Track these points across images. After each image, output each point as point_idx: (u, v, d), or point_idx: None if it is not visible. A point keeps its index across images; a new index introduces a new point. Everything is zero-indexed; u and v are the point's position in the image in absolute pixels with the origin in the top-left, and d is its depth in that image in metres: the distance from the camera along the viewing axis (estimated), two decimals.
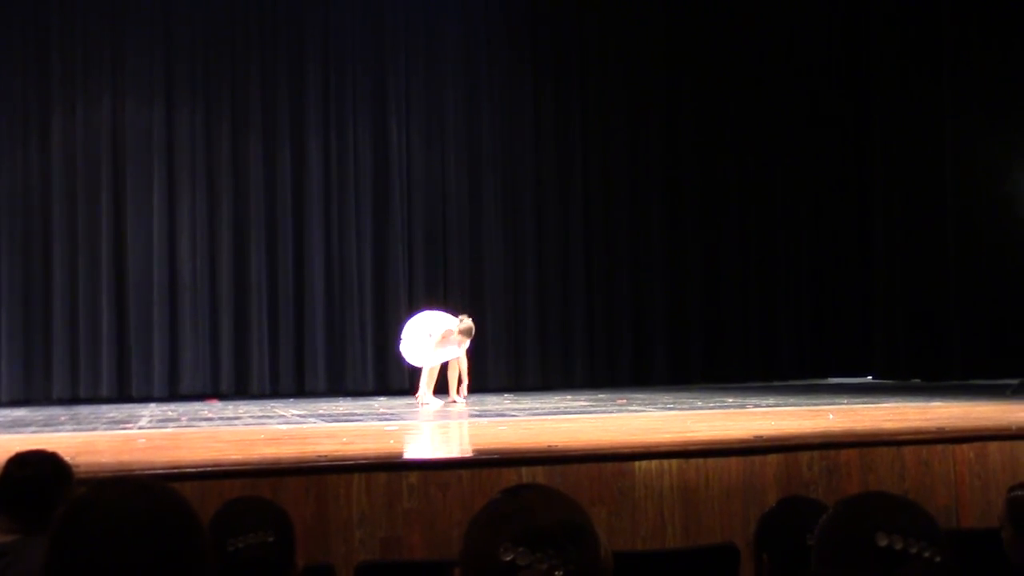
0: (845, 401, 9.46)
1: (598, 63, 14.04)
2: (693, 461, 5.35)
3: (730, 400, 10.05)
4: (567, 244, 13.85)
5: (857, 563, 1.68)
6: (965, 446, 5.71)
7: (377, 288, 13.22)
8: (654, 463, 5.30)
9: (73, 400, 12.21)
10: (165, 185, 12.84)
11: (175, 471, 4.96)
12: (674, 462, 5.32)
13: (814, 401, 9.62)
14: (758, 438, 5.77)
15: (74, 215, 12.63)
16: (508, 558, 1.48)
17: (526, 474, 5.04)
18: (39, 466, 3.51)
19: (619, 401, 10.36)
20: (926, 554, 1.65)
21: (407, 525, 4.90)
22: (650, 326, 13.97)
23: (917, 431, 6.09)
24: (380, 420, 8.45)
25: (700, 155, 14.18)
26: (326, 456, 5.28)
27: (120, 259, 12.67)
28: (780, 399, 10.03)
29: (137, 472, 5.26)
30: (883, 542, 1.66)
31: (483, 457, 5.25)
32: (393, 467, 5.01)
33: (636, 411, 8.99)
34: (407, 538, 4.89)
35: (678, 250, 14.12)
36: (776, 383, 13.54)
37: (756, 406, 9.13)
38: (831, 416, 7.62)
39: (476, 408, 9.84)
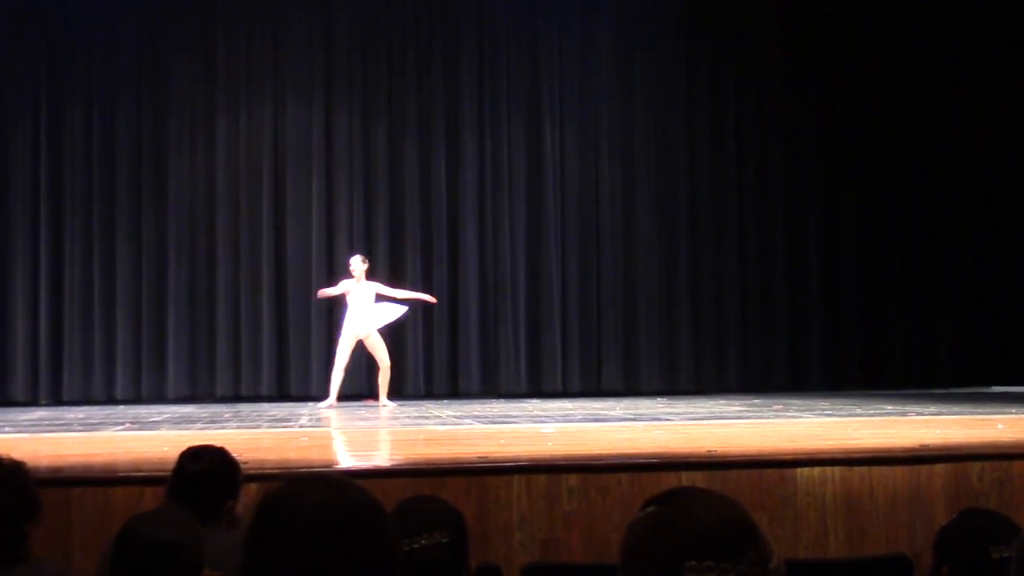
0: (1014, 410, 9.13)
1: (754, 64, 13.84)
2: (857, 469, 5.22)
3: (889, 407, 9.80)
4: (721, 246, 13.69)
5: None
6: None
7: (531, 290, 13.28)
8: (816, 470, 5.19)
9: (235, 398, 12.56)
10: (324, 187, 13.13)
11: (338, 469, 5.04)
12: (837, 469, 5.21)
13: (979, 410, 9.29)
14: (924, 447, 5.62)
15: (237, 218, 13.01)
16: None
17: (686, 479, 5.00)
18: (211, 459, 3.59)
19: (775, 407, 10.20)
20: None
21: (566, 527, 4.90)
22: (806, 330, 13.72)
23: None
24: (535, 422, 8.47)
25: (858, 158, 13.87)
26: (487, 457, 5.31)
27: (280, 261, 12.99)
28: (942, 407, 9.73)
29: (302, 469, 5.37)
30: None
31: (643, 461, 5.22)
32: (553, 469, 5.01)
33: (794, 417, 8.84)
34: (566, 540, 4.88)
35: (835, 252, 13.85)
36: (936, 391, 13.15)
37: (918, 414, 8.89)
38: (1000, 426, 7.36)
39: (630, 412, 9.79)
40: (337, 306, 12.31)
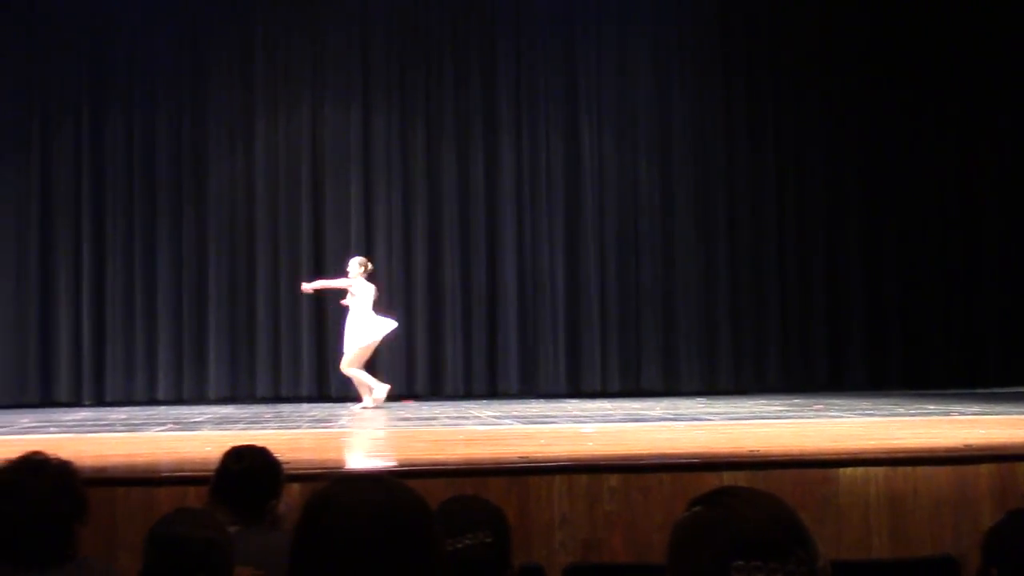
0: None
1: (792, 62, 13.74)
2: (900, 469, 5.18)
3: (932, 407, 9.71)
4: (760, 245, 13.61)
5: None
6: None
7: (569, 290, 13.26)
8: (859, 470, 5.16)
9: (275, 399, 12.62)
10: (362, 189, 13.18)
11: (380, 469, 5.05)
12: (880, 470, 5.17)
13: None
14: (969, 447, 5.57)
15: (276, 220, 13.09)
16: None
17: (728, 479, 4.98)
18: (254, 459, 3.61)
19: (816, 407, 10.14)
20: None
21: (608, 527, 4.89)
22: (846, 329, 13.61)
23: None
24: (575, 422, 8.46)
25: (899, 155, 13.75)
26: (527, 457, 5.31)
27: (319, 263, 13.03)
28: (986, 407, 9.63)
29: (345, 469, 5.40)
30: None
31: (685, 461, 5.20)
32: (594, 469, 5.01)
33: (835, 417, 8.79)
34: (608, 540, 4.87)
35: (876, 250, 13.72)
36: (980, 390, 13.01)
37: (961, 414, 8.81)
38: None
39: (670, 412, 9.77)
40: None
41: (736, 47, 13.80)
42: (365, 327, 11.24)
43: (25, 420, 9.80)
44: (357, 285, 11.30)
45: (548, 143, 13.45)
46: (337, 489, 1.56)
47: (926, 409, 9.41)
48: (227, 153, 13.14)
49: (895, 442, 6.17)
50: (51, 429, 8.66)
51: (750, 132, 13.73)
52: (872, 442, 6.25)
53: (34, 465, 2.84)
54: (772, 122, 13.75)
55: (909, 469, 5.17)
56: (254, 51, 13.22)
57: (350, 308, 11.35)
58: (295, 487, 4.05)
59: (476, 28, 13.50)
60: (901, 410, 9.39)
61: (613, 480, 4.92)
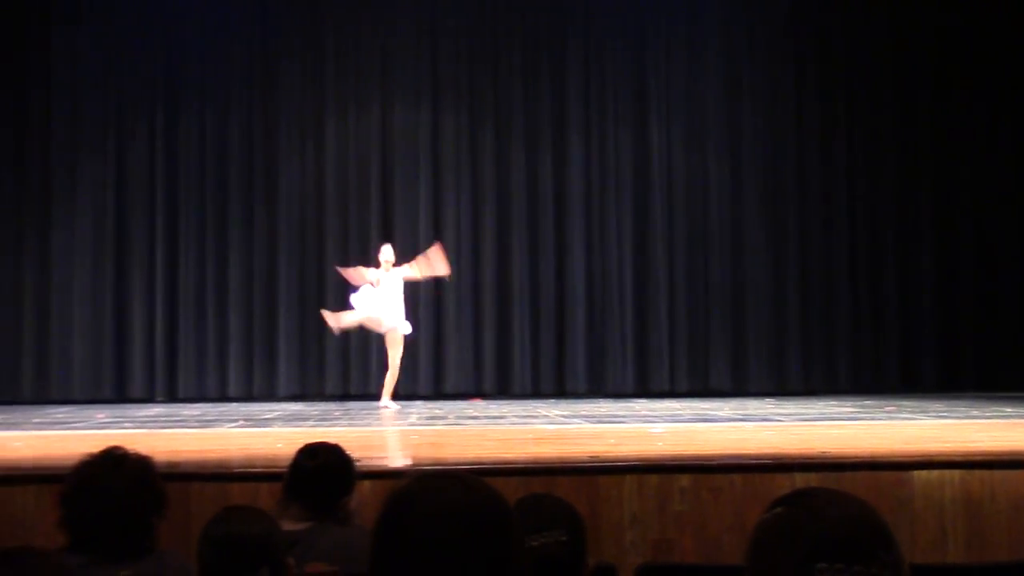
0: None
1: (864, 62, 13.60)
2: (977, 472, 5.10)
3: (1008, 410, 9.54)
4: (831, 245, 13.48)
5: None
6: None
7: (638, 289, 13.22)
8: (934, 473, 5.09)
9: (344, 396, 12.70)
10: (431, 188, 13.24)
11: (449, 467, 5.06)
12: (956, 473, 5.09)
13: None
14: None
15: (346, 218, 13.19)
16: None
17: (800, 480, 4.93)
18: (327, 456, 3.64)
19: (887, 408, 10.01)
20: None
21: (678, 528, 4.86)
22: (918, 330, 13.43)
23: None
24: (644, 422, 8.43)
25: (972, 151, 13.55)
26: (598, 456, 5.30)
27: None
28: None
29: (415, 467, 5.42)
30: None
31: (756, 462, 5.16)
32: (664, 469, 4.98)
33: (908, 419, 8.67)
34: (678, 541, 4.85)
35: (948, 249, 13.52)
36: None
37: None
38: None
39: (739, 412, 9.69)
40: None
41: (807, 45, 13.67)
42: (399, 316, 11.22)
43: (100, 415, 9.97)
44: (391, 272, 11.21)
45: (617, 143, 13.43)
46: (418, 487, 1.56)
47: (1002, 412, 9.26)
48: (298, 152, 13.27)
49: (971, 445, 6.08)
50: (126, 424, 8.80)
51: (821, 132, 13.60)
52: (947, 444, 6.16)
53: (114, 459, 2.88)
54: (844, 122, 13.62)
55: (986, 472, 5.09)
56: (325, 51, 13.34)
57: (378, 294, 11.15)
58: (366, 484, 4.08)
59: (545, 28, 13.50)
60: (976, 412, 9.24)
61: (684, 480, 4.90)
